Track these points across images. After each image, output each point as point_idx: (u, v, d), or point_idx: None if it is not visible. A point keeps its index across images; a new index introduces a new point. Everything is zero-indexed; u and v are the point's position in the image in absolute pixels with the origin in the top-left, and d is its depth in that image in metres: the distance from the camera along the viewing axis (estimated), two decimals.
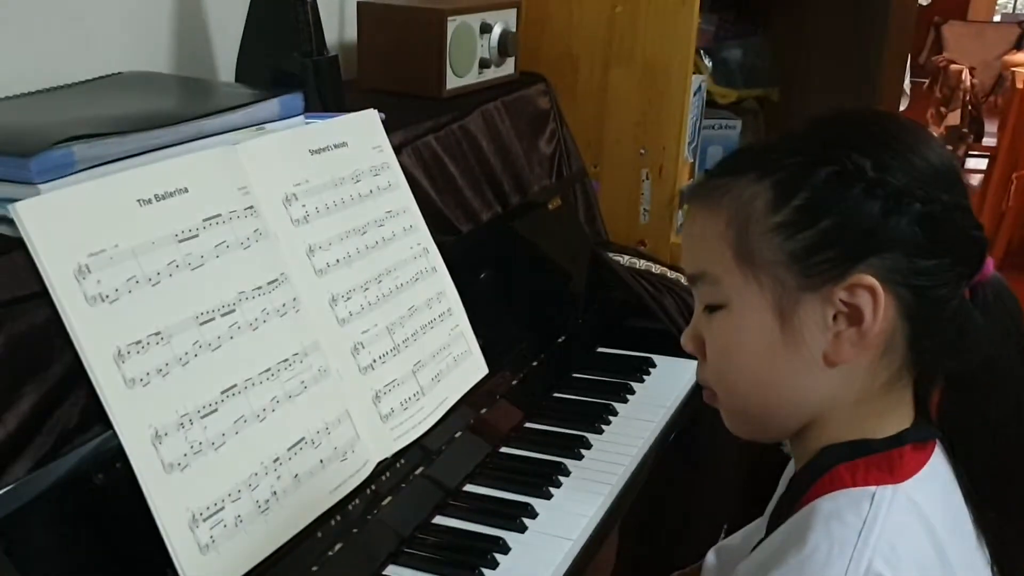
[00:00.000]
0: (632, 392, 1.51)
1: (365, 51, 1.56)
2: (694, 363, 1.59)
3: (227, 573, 0.84)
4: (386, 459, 1.07)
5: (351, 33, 1.65)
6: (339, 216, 1.10)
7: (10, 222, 0.82)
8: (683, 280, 1.75)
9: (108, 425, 0.81)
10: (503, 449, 1.33)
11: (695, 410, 1.55)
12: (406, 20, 1.52)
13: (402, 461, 1.11)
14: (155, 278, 0.86)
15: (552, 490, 1.23)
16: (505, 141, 1.59)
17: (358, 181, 1.15)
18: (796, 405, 0.80)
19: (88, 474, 0.80)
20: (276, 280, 0.98)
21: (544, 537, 1.15)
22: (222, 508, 0.85)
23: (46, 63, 1.17)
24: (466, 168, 1.47)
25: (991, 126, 5.33)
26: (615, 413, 1.45)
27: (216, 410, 0.87)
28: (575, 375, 1.55)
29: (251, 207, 0.98)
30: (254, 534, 0.87)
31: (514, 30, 1.64)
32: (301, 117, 1.13)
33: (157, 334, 0.85)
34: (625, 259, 1.74)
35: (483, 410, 1.31)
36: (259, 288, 0.96)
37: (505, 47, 1.62)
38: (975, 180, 4.88)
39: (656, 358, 1.62)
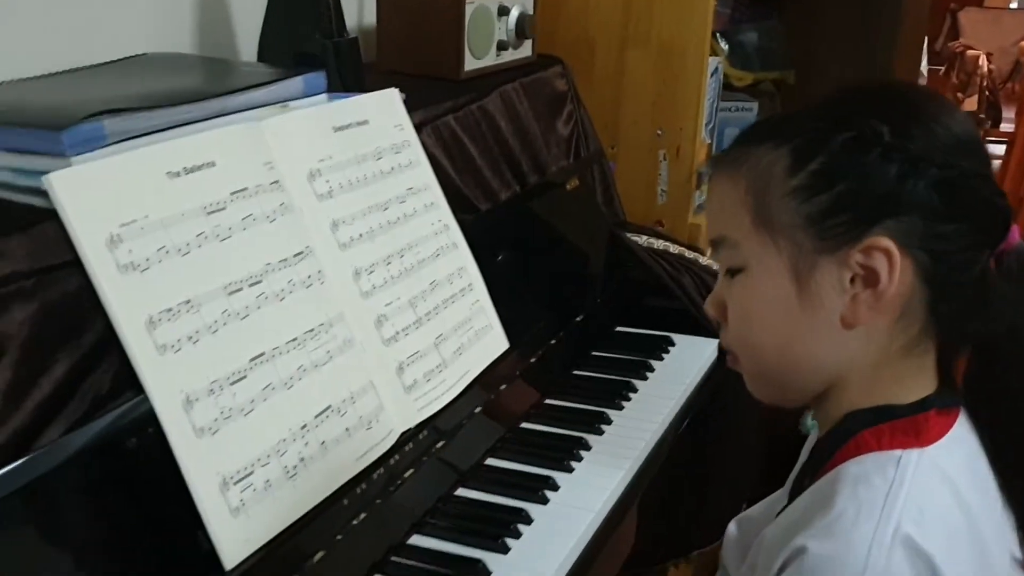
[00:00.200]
0: (651, 370, 1.52)
1: (384, 33, 1.58)
2: (714, 341, 1.63)
3: (257, 536, 0.86)
4: (409, 430, 1.09)
5: (370, 16, 1.67)
6: (362, 192, 1.12)
7: (42, 194, 0.84)
8: (701, 260, 1.76)
9: (139, 391, 0.83)
10: (524, 425, 1.34)
11: (715, 387, 1.56)
12: (424, 2, 1.53)
13: (425, 433, 1.13)
14: (184, 248, 0.88)
15: (574, 464, 1.25)
16: (523, 122, 1.60)
17: (380, 158, 1.17)
18: (814, 367, 0.80)
19: (120, 438, 0.82)
20: (301, 253, 1.00)
21: (566, 509, 1.16)
22: (252, 473, 0.87)
23: (71, 44, 1.19)
24: (485, 148, 1.49)
25: (1008, 112, 5.30)
26: (635, 390, 1.46)
27: (245, 377, 0.89)
28: (594, 353, 1.56)
29: (276, 181, 1.00)
30: (283, 499, 0.89)
31: (531, 12, 1.65)
32: (324, 95, 1.14)
33: (187, 302, 0.86)
34: (643, 239, 1.75)
35: (502, 386, 1.33)
36: (285, 260, 0.97)
37: (523, 29, 1.63)
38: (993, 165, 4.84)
39: (675, 336, 1.63)
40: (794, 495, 0.83)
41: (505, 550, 1.07)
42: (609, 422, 1.36)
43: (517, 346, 1.33)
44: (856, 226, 0.75)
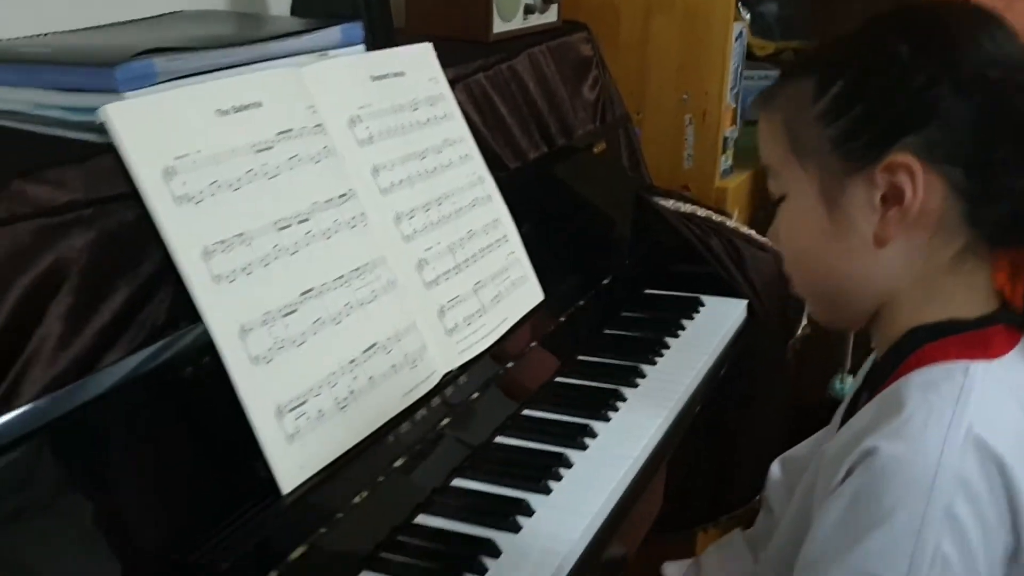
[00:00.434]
0: (683, 328, 1.53)
1: None
2: (743, 301, 1.63)
3: (311, 463, 0.87)
4: (450, 373, 1.10)
5: None
6: (400, 140, 1.13)
7: (95, 130, 0.86)
8: (728, 223, 1.77)
9: (193, 323, 0.84)
10: (558, 379, 1.35)
11: (745, 346, 1.57)
12: None
13: (463, 379, 1.14)
14: (236, 184, 0.89)
15: (610, 414, 1.25)
16: (551, 85, 1.61)
17: (416, 109, 1.18)
18: (858, 287, 0.81)
19: (177, 366, 0.83)
20: (345, 195, 1.01)
21: (605, 455, 1.17)
22: (305, 402, 0.88)
23: (104, 5, 1.20)
24: (514, 108, 1.50)
25: None
26: (667, 347, 1.46)
27: (296, 310, 0.90)
28: (624, 314, 1.57)
29: (319, 125, 1.01)
30: (335, 429, 0.90)
31: None
32: (361, 46, 1.15)
33: (240, 235, 0.88)
34: (670, 203, 1.76)
35: (534, 343, 1.34)
36: (330, 200, 0.99)
37: None
38: None
39: (704, 297, 1.63)
40: (848, 417, 0.84)
41: (547, 491, 1.08)
42: (643, 375, 1.37)
43: (548, 303, 1.34)
44: (878, 145, 0.76)
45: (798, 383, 1.92)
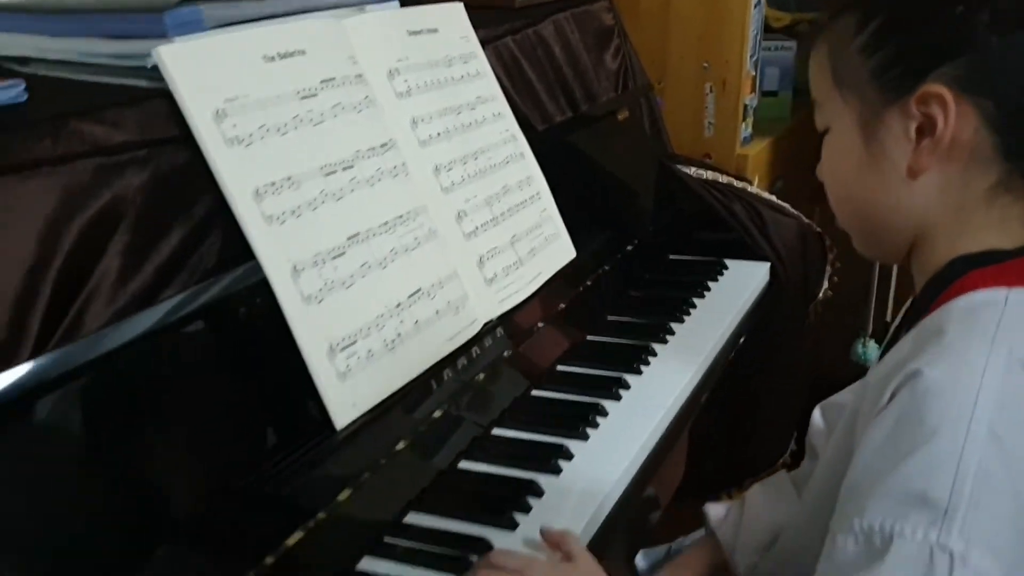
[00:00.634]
0: (708, 289, 1.54)
1: None
2: (766, 264, 1.65)
3: (362, 401, 0.89)
4: (489, 323, 1.11)
5: None
6: (436, 94, 1.14)
7: (146, 76, 0.87)
8: (750, 188, 1.78)
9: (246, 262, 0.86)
10: (589, 337, 1.37)
11: (768, 308, 1.59)
12: None
13: (500, 332, 1.15)
14: (283, 128, 0.91)
15: (642, 367, 1.27)
16: (575, 51, 1.62)
17: (450, 65, 1.19)
18: (894, 219, 0.83)
19: (230, 305, 0.85)
20: (386, 144, 1.02)
21: (639, 404, 1.18)
22: (355, 342, 0.89)
23: None
24: (541, 72, 1.51)
25: None
26: (694, 306, 1.48)
27: (344, 253, 0.92)
28: (648, 277, 1.58)
29: (360, 75, 1.03)
30: (384, 369, 0.92)
31: None
32: (395, 2, 1.17)
33: (288, 179, 0.89)
34: (692, 170, 1.77)
35: (563, 305, 1.35)
36: (372, 149, 1.00)
37: None
38: None
39: (727, 261, 1.65)
40: (889, 348, 0.85)
41: (585, 437, 1.09)
42: (672, 332, 1.38)
43: (575, 265, 1.35)
44: (913, 76, 0.77)
45: (820, 349, 1.93)
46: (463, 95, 1.19)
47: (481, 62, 1.26)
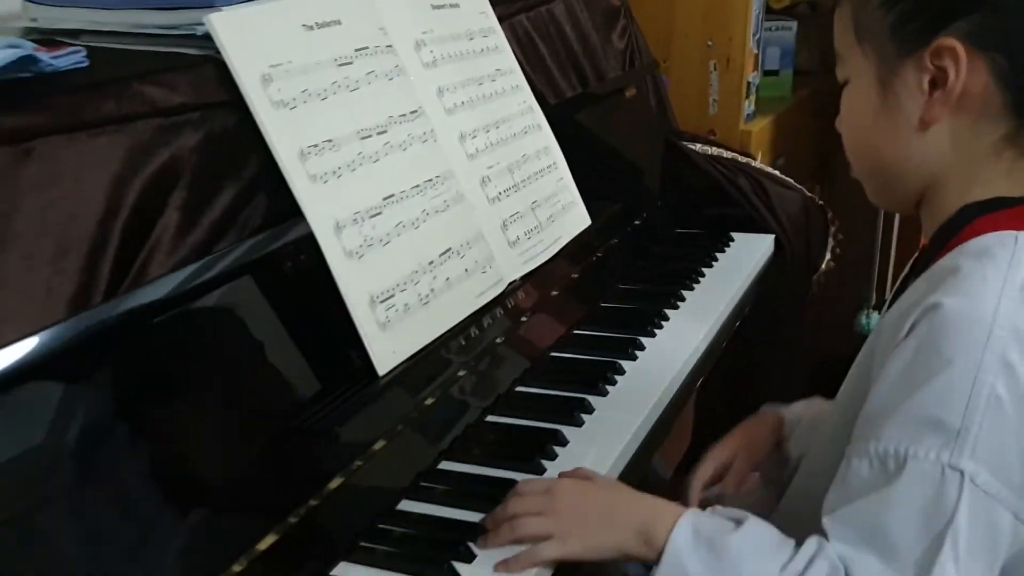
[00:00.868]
0: (715, 259, 1.60)
1: None
2: (770, 236, 1.70)
3: (402, 349, 0.94)
4: (514, 283, 1.16)
5: None
6: (460, 66, 1.19)
7: (195, 45, 0.92)
8: (753, 163, 1.83)
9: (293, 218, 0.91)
10: (603, 304, 1.42)
11: (773, 279, 1.64)
12: None
13: (522, 294, 1.21)
14: (323, 93, 0.96)
15: (656, 331, 1.32)
16: (584, 30, 1.68)
17: (471, 39, 1.24)
18: (905, 168, 0.88)
19: (279, 258, 0.90)
20: (416, 111, 1.07)
21: (654, 363, 1.24)
22: (393, 295, 0.95)
23: None
24: (553, 50, 1.56)
25: None
26: (703, 275, 1.53)
27: (381, 213, 0.97)
28: (657, 249, 1.64)
29: (390, 46, 1.08)
30: (419, 322, 0.97)
31: None
32: None
33: (329, 141, 0.94)
34: (697, 147, 1.82)
35: (575, 274, 1.40)
36: (404, 115, 1.05)
37: None
38: None
39: (733, 234, 1.70)
40: (897, 297, 0.90)
41: (604, 393, 1.15)
42: (683, 299, 1.43)
43: (587, 234, 1.40)
44: (929, 30, 0.82)
45: (823, 324, 1.99)
46: (483, 67, 1.24)
47: (499, 36, 1.31)
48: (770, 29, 2.12)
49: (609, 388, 1.16)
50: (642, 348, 1.27)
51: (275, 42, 0.93)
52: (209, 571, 0.76)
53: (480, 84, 1.22)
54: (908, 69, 0.84)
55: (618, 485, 0.93)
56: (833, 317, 2.09)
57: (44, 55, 0.80)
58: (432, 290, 1.00)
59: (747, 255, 1.63)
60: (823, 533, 0.77)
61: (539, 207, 1.24)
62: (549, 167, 1.31)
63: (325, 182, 0.92)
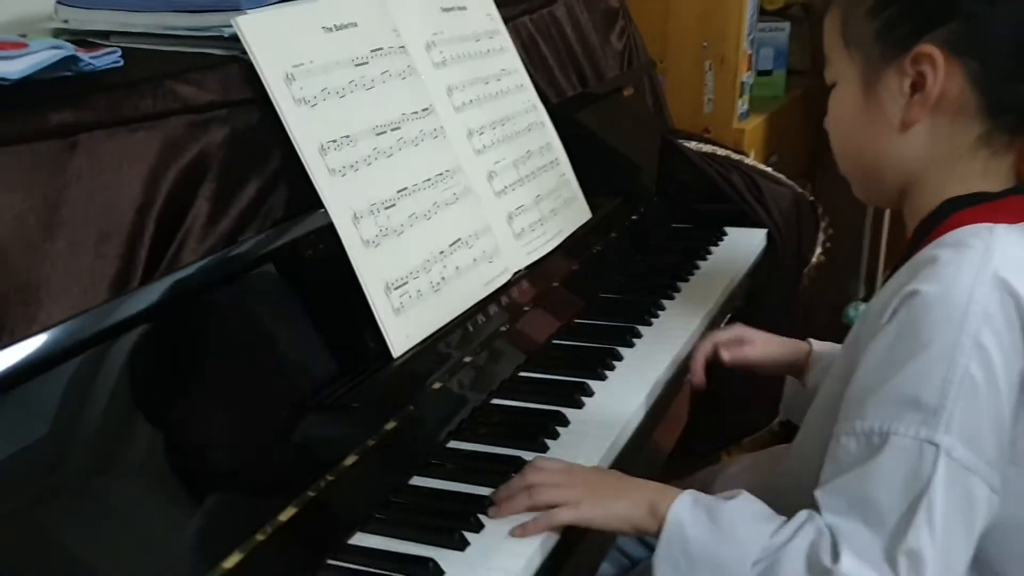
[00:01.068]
0: (710, 252, 1.66)
1: None
2: (763, 230, 1.75)
3: (415, 333, 1.00)
4: (520, 272, 1.22)
5: None
6: (467, 66, 1.25)
7: (223, 45, 0.98)
8: (747, 160, 1.89)
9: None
10: (602, 294, 1.48)
11: (766, 270, 1.70)
12: None
13: (526, 284, 1.27)
14: (341, 92, 1.02)
15: (652, 319, 1.38)
16: (584, 31, 1.73)
17: (478, 40, 1.30)
18: (888, 166, 0.94)
19: (301, 247, 0.96)
20: (427, 109, 1.13)
21: (649, 351, 1.29)
22: (407, 282, 1.01)
23: None
24: (555, 50, 1.62)
25: None
26: (698, 267, 1.59)
27: (395, 205, 1.03)
28: (654, 243, 1.69)
29: (403, 46, 1.13)
30: (431, 308, 1.03)
31: None
32: None
33: (346, 136, 1.00)
34: (692, 144, 1.88)
35: (575, 266, 1.45)
36: (416, 113, 1.11)
37: None
38: None
39: (727, 228, 1.76)
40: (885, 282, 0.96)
41: (603, 377, 1.21)
42: (678, 290, 1.49)
43: (585, 230, 1.46)
44: (911, 36, 0.88)
45: (814, 315, 2.05)
46: (490, 67, 1.30)
47: (504, 38, 1.37)
48: (763, 30, 2.18)
49: (608, 373, 1.22)
50: (639, 336, 1.33)
51: (297, 43, 0.99)
52: (235, 539, 0.82)
53: (487, 83, 1.28)
54: (891, 73, 0.90)
55: (626, 475, 0.99)
56: (823, 309, 2.15)
57: (84, 55, 0.86)
58: (443, 278, 1.06)
59: (740, 249, 1.69)
60: (815, 507, 0.83)
61: (543, 200, 1.30)
62: (552, 163, 1.36)
63: (343, 175, 0.98)
